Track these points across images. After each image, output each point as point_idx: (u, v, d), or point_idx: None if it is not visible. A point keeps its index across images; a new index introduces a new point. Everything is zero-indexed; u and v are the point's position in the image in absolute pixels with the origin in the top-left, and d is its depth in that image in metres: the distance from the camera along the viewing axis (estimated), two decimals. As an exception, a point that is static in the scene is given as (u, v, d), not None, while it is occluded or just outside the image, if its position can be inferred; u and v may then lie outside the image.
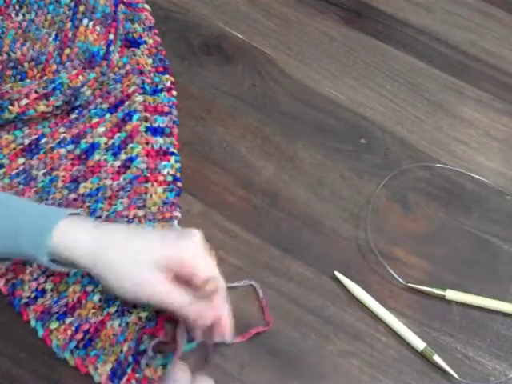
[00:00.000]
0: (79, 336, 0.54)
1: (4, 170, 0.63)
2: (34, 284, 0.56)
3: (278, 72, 0.76)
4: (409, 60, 0.79)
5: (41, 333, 0.54)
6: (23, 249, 0.50)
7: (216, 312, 0.51)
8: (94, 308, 0.56)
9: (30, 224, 0.50)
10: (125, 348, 0.54)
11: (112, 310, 0.56)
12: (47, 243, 0.49)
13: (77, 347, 0.54)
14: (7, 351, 0.54)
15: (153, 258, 0.50)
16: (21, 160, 0.64)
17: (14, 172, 0.63)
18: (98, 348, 0.54)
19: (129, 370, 0.53)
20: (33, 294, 0.56)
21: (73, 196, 0.62)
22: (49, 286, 0.56)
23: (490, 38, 0.83)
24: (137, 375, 0.53)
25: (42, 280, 0.56)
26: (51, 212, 0.52)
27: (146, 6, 0.78)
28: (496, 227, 0.66)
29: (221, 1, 0.82)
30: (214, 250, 0.60)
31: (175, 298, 0.50)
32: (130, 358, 0.53)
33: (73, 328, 0.54)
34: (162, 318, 0.55)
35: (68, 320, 0.55)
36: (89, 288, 0.56)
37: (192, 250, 0.51)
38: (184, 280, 0.51)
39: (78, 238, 0.50)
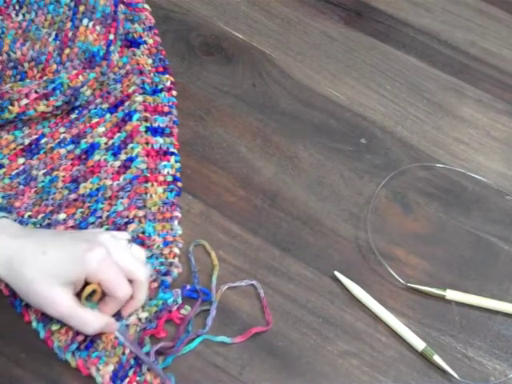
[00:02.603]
0: (81, 338, 0.54)
1: (4, 170, 0.63)
2: None
3: (278, 72, 0.76)
4: (409, 60, 0.79)
5: (42, 334, 0.54)
6: None
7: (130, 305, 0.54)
8: None
9: None
10: (127, 350, 0.54)
11: None
12: None
13: (78, 349, 0.53)
14: (7, 351, 0.54)
15: (62, 277, 0.51)
16: (21, 160, 0.64)
17: (14, 172, 0.63)
18: (99, 350, 0.54)
19: (130, 373, 0.53)
20: None
21: (73, 196, 0.62)
22: None
23: (490, 38, 0.83)
24: (138, 378, 0.53)
25: None
26: None
27: (146, 6, 0.77)
28: (496, 227, 0.66)
29: (221, 1, 0.82)
30: (214, 250, 0.61)
31: (80, 317, 0.52)
32: (132, 361, 0.53)
33: (74, 329, 0.54)
34: (162, 319, 0.55)
35: None
36: None
37: (98, 257, 0.51)
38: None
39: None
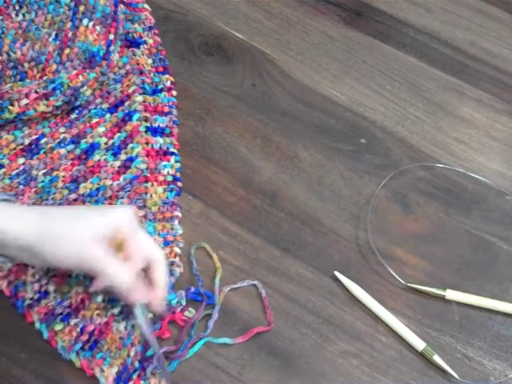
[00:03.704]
0: (85, 337, 0.54)
1: (4, 170, 0.63)
2: (36, 285, 0.56)
3: (278, 72, 0.76)
4: (409, 60, 0.79)
5: (46, 335, 0.54)
6: None
7: (154, 291, 0.53)
8: (97, 309, 0.55)
9: None
10: (132, 353, 0.54)
11: (116, 310, 0.56)
12: None
13: (82, 349, 0.53)
14: (7, 351, 0.54)
15: (93, 227, 0.51)
16: (21, 160, 0.64)
17: (14, 172, 0.63)
18: (104, 350, 0.54)
19: (134, 376, 0.53)
20: (36, 296, 0.56)
21: (73, 196, 0.62)
22: (51, 288, 0.56)
23: (490, 38, 0.83)
24: (142, 382, 0.53)
25: (44, 281, 0.56)
26: None
27: (146, 6, 0.78)
28: (496, 227, 0.66)
29: (221, 1, 0.82)
30: (214, 250, 0.61)
31: (114, 270, 0.51)
32: (137, 364, 0.53)
33: (78, 329, 0.54)
34: (166, 320, 0.55)
35: (73, 321, 0.55)
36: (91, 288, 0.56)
37: (127, 217, 0.53)
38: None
39: (18, 214, 0.52)
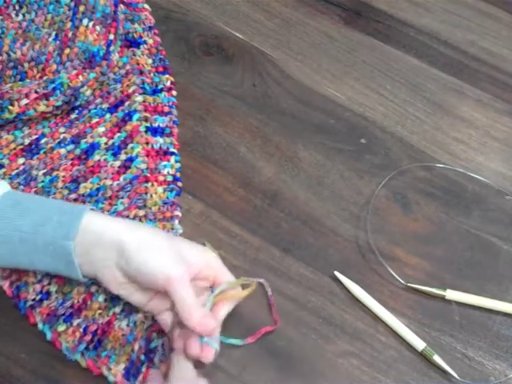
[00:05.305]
0: (88, 337, 0.54)
1: (4, 170, 0.63)
2: (38, 286, 0.56)
3: (278, 72, 0.76)
4: (409, 60, 0.79)
5: (49, 335, 0.54)
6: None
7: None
8: (99, 308, 0.56)
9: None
10: (136, 347, 0.54)
11: (117, 309, 0.56)
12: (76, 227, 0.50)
13: (87, 349, 0.53)
14: (7, 351, 0.54)
15: (181, 252, 0.51)
16: (21, 160, 0.64)
17: (14, 172, 0.63)
18: (108, 349, 0.54)
19: (143, 368, 0.53)
20: (38, 297, 0.56)
21: (73, 196, 0.62)
22: (53, 288, 0.56)
23: (489, 38, 0.83)
24: (151, 370, 0.53)
25: (45, 282, 0.56)
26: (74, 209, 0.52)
27: (146, 6, 0.78)
28: (496, 227, 0.66)
29: (221, 1, 0.82)
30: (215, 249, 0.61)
31: (189, 295, 0.49)
32: (143, 357, 0.53)
33: (81, 329, 0.54)
34: None
35: (75, 322, 0.55)
36: (93, 288, 0.56)
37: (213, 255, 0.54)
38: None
39: (115, 218, 0.52)
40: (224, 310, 0.53)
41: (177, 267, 0.49)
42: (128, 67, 0.71)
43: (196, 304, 0.49)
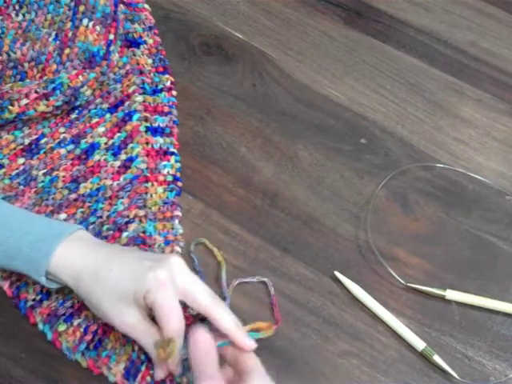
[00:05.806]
0: (89, 337, 0.54)
1: (4, 170, 0.63)
2: (38, 286, 0.56)
3: (278, 72, 0.76)
4: (409, 60, 0.79)
5: (49, 336, 0.54)
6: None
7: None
8: None
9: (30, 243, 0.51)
10: (136, 347, 0.54)
11: None
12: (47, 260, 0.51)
13: (87, 348, 0.53)
14: (7, 351, 0.54)
15: (123, 294, 0.50)
16: (21, 160, 0.64)
17: (14, 172, 0.63)
18: (108, 348, 0.54)
19: (143, 368, 0.53)
20: (38, 297, 0.56)
21: (73, 196, 0.62)
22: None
23: (490, 38, 0.83)
24: (151, 372, 0.53)
25: None
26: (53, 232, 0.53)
27: (146, 6, 0.78)
28: (496, 227, 0.66)
29: (221, 1, 0.82)
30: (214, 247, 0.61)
31: (144, 335, 0.51)
32: (143, 356, 0.53)
33: (81, 329, 0.54)
34: None
35: (76, 321, 0.55)
36: None
37: (151, 284, 0.50)
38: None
39: (82, 253, 0.52)
40: None
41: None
42: (128, 67, 0.71)
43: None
